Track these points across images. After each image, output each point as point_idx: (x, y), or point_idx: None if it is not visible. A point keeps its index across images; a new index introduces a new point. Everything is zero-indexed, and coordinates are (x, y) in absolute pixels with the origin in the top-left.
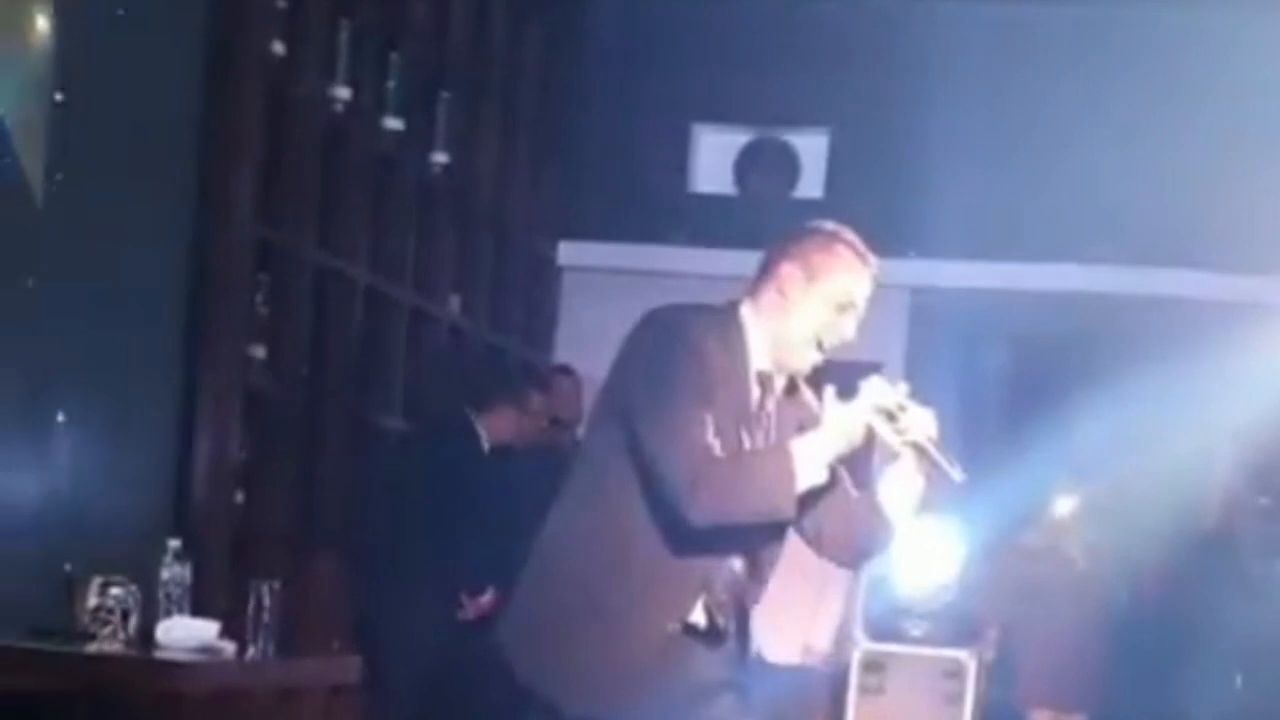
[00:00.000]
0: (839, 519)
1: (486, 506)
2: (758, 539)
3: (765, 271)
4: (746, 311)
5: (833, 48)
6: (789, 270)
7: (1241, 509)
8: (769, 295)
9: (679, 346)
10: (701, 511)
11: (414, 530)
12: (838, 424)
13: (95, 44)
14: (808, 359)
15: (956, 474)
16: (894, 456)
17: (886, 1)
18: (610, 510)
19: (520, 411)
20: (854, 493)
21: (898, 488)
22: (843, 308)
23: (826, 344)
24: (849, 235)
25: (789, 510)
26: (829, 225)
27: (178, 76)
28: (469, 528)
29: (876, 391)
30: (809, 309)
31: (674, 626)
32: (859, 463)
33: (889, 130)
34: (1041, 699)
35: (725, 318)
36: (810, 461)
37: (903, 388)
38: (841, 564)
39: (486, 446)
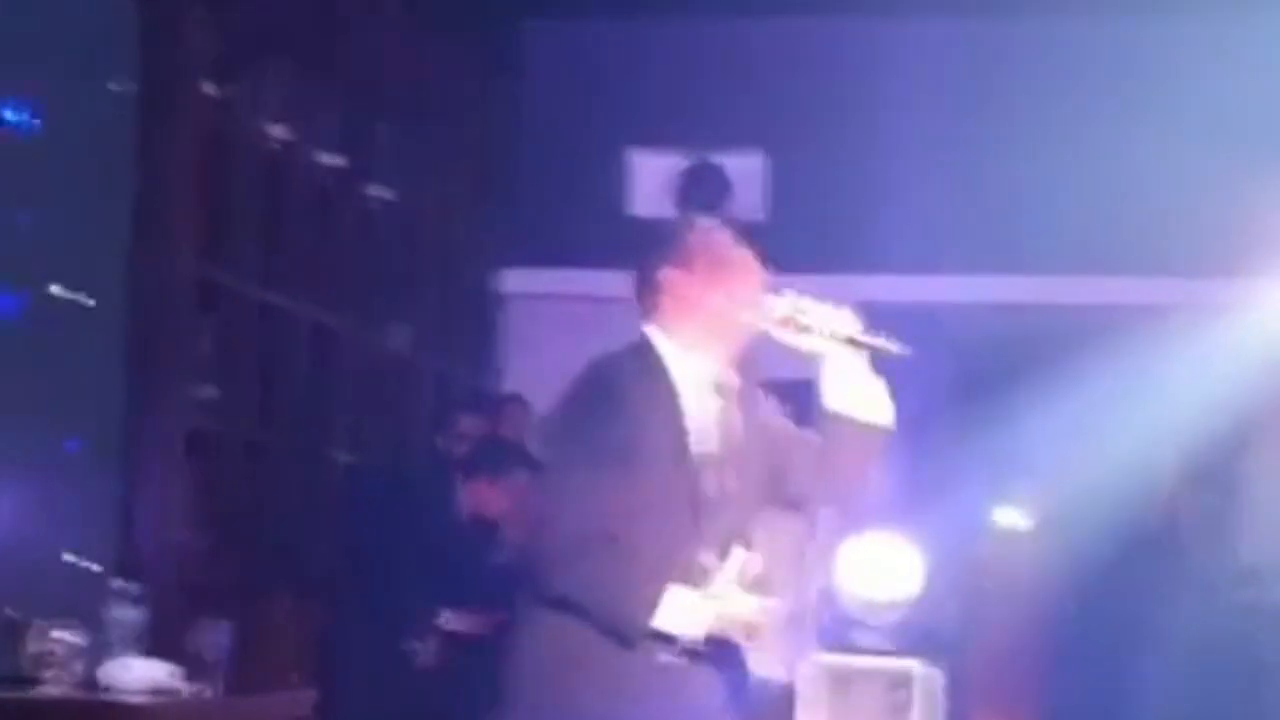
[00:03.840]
0: (824, 470)
1: (449, 555)
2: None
3: (647, 288)
4: (655, 334)
5: (765, 69)
6: (667, 274)
7: (1187, 508)
8: (666, 306)
9: (594, 407)
10: (562, 581)
11: (374, 564)
12: (726, 603)
13: (28, 89)
14: (748, 323)
15: (894, 346)
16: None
17: (818, 23)
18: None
19: (500, 489)
20: (813, 438)
21: (843, 384)
22: (729, 275)
23: (742, 312)
24: (688, 220)
25: (631, 638)
26: (673, 230)
27: (113, 120)
28: (428, 562)
29: (774, 308)
30: (709, 290)
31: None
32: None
33: (824, 149)
34: (990, 708)
35: (643, 356)
36: (678, 613)
37: (791, 294)
38: (852, 498)
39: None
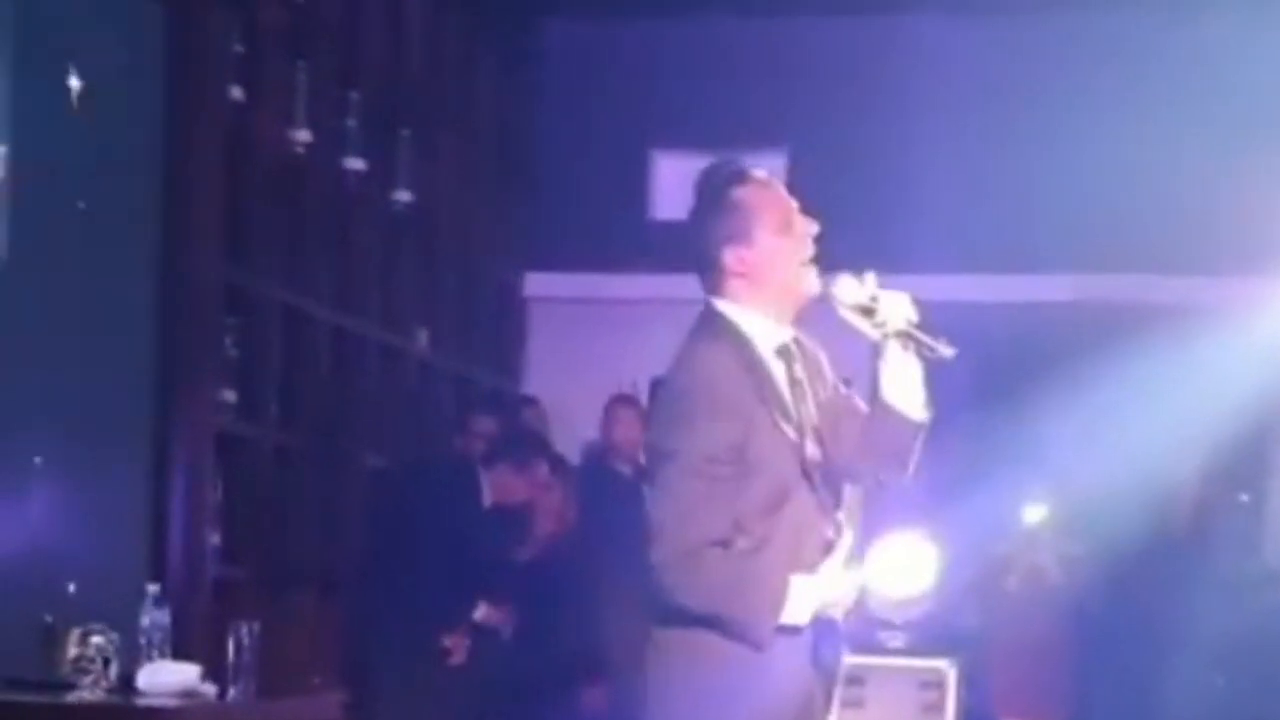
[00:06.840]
0: (861, 441)
1: (477, 545)
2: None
3: (711, 266)
4: (724, 307)
5: (787, 67)
6: (730, 255)
7: (1212, 507)
8: (732, 285)
9: (693, 405)
10: (684, 595)
11: (402, 566)
12: (835, 583)
13: (54, 93)
14: (806, 288)
15: (946, 349)
16: (879, 350)
17: (841, 22)
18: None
19: (523, 477)
20: (864, 408)
21: (898, 379)
22: (787, 229)
23: (807, 263)
24: (729, 173)
25: (761, 641)
26: (716, 190)
27: (138, 124)
28: (454, 564)
29: (846, 290)
30: (772, 266)
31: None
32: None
33: (847, 148)
34: (1013, 709)
35: (731, 341)
36: (801, 602)
37: (871, 278)
38: (883, 482)
39: (488, 502)
